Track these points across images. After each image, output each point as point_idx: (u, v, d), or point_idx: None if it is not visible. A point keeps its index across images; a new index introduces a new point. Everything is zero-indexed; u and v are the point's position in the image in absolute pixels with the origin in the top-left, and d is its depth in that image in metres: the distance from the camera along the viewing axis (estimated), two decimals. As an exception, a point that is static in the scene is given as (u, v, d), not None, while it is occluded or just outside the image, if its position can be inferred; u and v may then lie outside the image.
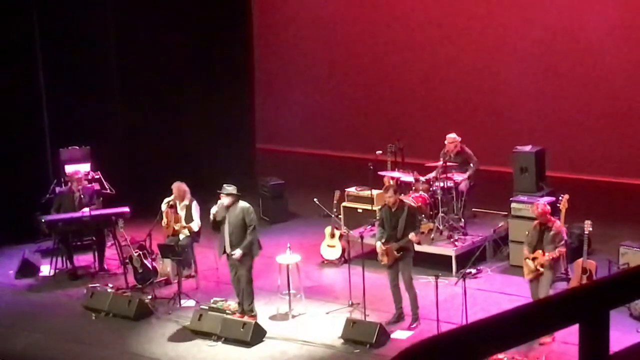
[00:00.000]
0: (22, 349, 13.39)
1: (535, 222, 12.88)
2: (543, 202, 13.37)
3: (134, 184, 17.68)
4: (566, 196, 13.73)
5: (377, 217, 13.83)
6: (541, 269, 12.55)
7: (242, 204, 13.58)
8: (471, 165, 15.95)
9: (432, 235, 15.14)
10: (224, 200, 13.50)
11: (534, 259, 12.59)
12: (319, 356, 12.74)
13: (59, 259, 15.90)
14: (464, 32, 20.17)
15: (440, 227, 15.36)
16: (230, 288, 14.87)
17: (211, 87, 19.39)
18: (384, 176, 15.95)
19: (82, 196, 15.78)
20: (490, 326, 3.00)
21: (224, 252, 13.59)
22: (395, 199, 13.25)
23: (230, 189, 13.57)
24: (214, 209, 13.61)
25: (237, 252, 13.39)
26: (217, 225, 13.69)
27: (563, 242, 12.65)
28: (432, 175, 15.70)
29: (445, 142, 16.04)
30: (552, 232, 12.62)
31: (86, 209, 15.50)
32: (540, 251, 12.58)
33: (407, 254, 13.22)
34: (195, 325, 13.40)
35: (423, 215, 14.97)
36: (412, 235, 13.09)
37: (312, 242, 16.09)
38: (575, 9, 18.90)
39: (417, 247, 13.53)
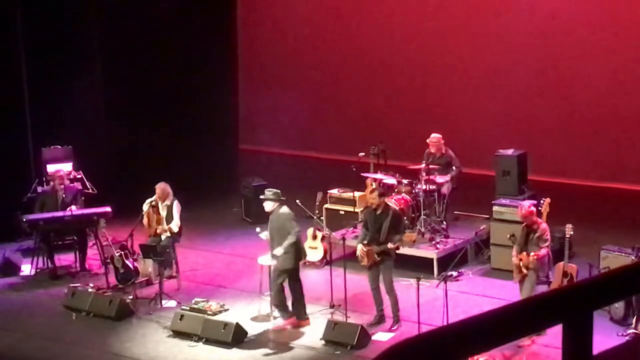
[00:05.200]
0: (2, 348, 13.33)
1: (523, 224, 12.96)
2: (527, 204, 13.39)
3: (116, 183, 17.64)
4: (548, 200, 13.76)
5: (361, 219, 13.80)
6: (525, 271, 12.62)
7: (283, 209, 13.50)
8: (454, 167, 15.98)
9: (414, 239, 15.14)
10: (266, 205, 13.49)
11: (520, 260, 12.66)
12: (300, 357, 12.74)
13: (40, 258, 15.85)
14: (447, 35, 20.20)
15: (422, 230, 15.38)
16: (211, 288, 14.90)
17: (194, 87, 19.35)
18: (366, 178, 15.96)
19: (64, 195, 15.74)
20: (473, 326, 3.00)
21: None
22: (379, 202, 13.24)
23: (270, 193, 13.55)
24: None
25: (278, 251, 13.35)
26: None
27: (547, 243, 12.71)
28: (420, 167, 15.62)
29: (429, 142, 16.06)
30: (537, 234, 12.70)
31: (74, 207, 15.47)
32: (524, 253, 12.64)
33: (388, 258, 13.21)
34: (176, 326, 13.38)
35: (406, 219, 14.94)
36: (390, 245, 13.07)
37: (294, 244, 16.06)
38: (559, 13, 18.96)
39: (399, 249, 13.53)
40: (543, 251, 12.65)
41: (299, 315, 13.56)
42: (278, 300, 13.43)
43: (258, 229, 13.73)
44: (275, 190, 13.60)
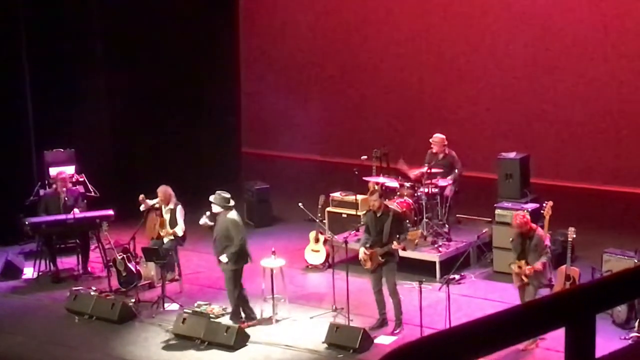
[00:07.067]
0: (4, 351, 13.32)
1: (517, 231, 12.87)
2: (521, 212, 13.27)
3: (119, 186, 17.64)
4: (550, 203, 13.74)
5: (362, 222, 13.81)
6: (526, 280, 12.57)
7: (231, 214, 13.52)
8: (456, 170, 15.96)
9: (417, 240, 15.14)
10: (213, 207, 13.54)
11: (519, 268, 12.61)
12: (303, 361, 12.75)
13: (43, 261, 15.85)
14: (449, 38, 20.20)
15: (425, 233, 15.37)
16: (213, 291, 14.91)
17: (197, 90, 19.36)
18: (368, 181, 15.95)
19: (66, 198, 15.74)
20: (475, 329, 2.99)
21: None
22: (380, 204, 13.24)
23: (216, 197, 13.55)
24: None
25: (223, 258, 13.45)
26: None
27: (546, 250, 12.66)
28: (421, 171, 15.61)
29: (432, 142, 16.00)
30: (534, 242, 12.62)
31: (76, 210, 15.47)
32: (523, 261, 12.58)
33: (391, 259, 13.21)
34: (178, 329, 13.37)
35: (408, 222, 14.92)
36: (395, 244, 13.07)
37: (296, 247, 16.09)
38: (563, 16, 18.95)
39: (402, 253, 13.52)
40: (540, 265, 12.55)
41: (248, 317, 13.68)
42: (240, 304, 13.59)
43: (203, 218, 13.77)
44: (224, 194, 13.57)
